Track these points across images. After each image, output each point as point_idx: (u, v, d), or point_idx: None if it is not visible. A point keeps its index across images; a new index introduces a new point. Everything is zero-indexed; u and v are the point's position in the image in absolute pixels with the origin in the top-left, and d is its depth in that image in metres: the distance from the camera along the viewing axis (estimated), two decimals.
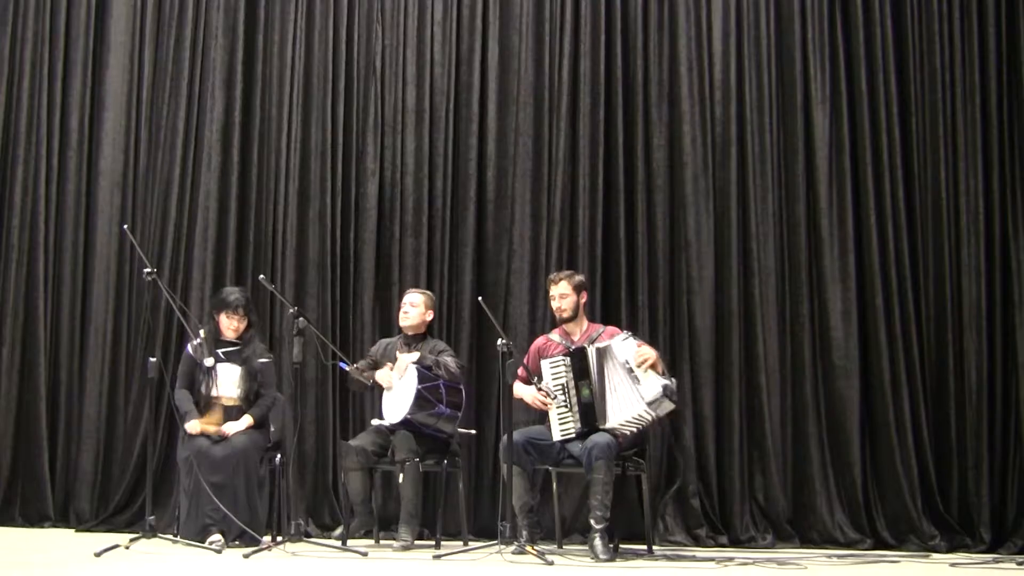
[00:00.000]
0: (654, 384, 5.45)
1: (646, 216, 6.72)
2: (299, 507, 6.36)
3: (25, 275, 7.23)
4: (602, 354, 5.57)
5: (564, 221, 6.76)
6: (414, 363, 5.95)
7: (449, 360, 6.05)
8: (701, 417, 6.50)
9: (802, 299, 6.56)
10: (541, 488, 5.98)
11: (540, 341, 6.02)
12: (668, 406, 5.51)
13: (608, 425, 5.51)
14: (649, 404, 5.43)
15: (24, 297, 7.21)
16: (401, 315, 6.23)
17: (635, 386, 5.46)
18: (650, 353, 5.52)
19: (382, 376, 6.09)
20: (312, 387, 6.82)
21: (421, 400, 5.82)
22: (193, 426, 5.86)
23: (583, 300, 5.92)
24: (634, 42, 6.87)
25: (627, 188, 6.75)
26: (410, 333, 6.21)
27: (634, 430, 5.54)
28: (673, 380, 5.58)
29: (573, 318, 5.87)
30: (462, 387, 6.05)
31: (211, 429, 5.86)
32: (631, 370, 5.48)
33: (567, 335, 5.91)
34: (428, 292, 6.37)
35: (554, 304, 5.91)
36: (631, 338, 5.61)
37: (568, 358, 5.66)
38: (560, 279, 5.89)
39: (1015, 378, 6.20)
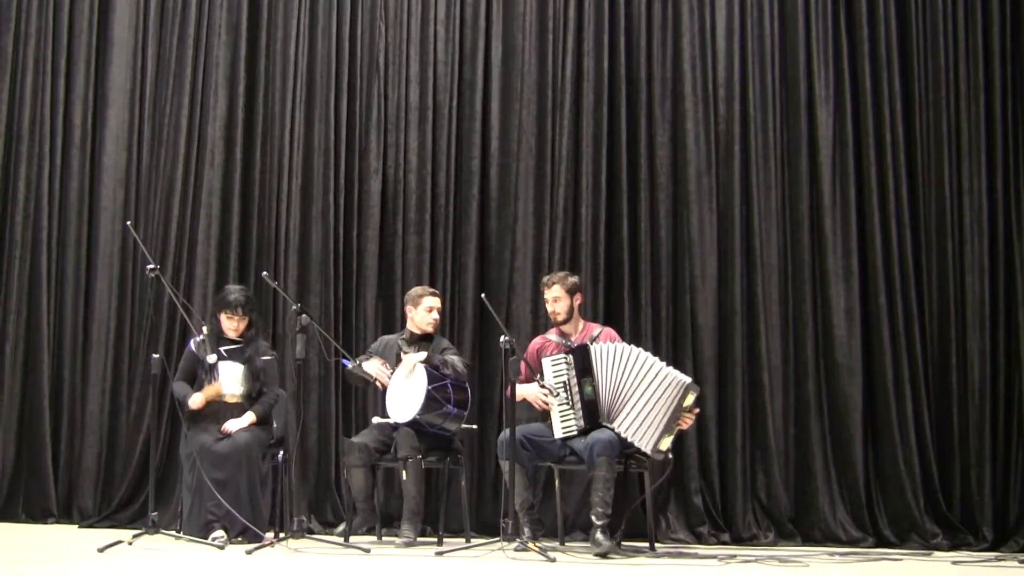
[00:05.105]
0: (667, 444, 5.51)
1: (649, 214, 6.72)
2: (302, 504, 6.36)
3: (28, 272, 7.24)
4: (684, 388, 5.50)
5: (567, 219, 6.76)
6: (422, 362, 5.94)
7: (455, 359, 6.05)
8: (704, 415, 6.47)
9: (805, 297, 6.56)
10: (544, 485, 5.99)
11: (538, 341, 6.04)
12: (657, 460, 5.57)
13: (615, 427, 5.51)
14: (653, 451, 5.47)
15: (27, 294, 7.21)
16: (432, 320, 6.14)
17: (662, 430, 5.47)
18: (690, 423, 5.61)
19: (371, 367, 6.04)
20: (315, 384, 6.83)
21: (431, 401, 5.82)
22: (196, 399, 5.87)
23: (578, 302, 5.92)
24: (638, 40, 6.87)
25: (630, 186, 6.75)
26: (418, 332, 6.19)
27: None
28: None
29: (568, 320, 5.89)
30: (468, 386, 6.06)
31: (211, 393, 5.88)
32: (673, 418, 5.49)
33: (564, 335, 5.92)
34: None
35: (548, 307, 5.92)
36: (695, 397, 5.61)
37: (570, 355, 5.67)
38: (553, 283, 5.90)
39: (1018, 377, 6.20)
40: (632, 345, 5.73)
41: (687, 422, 5.58)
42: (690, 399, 5.53)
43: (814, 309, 6.55)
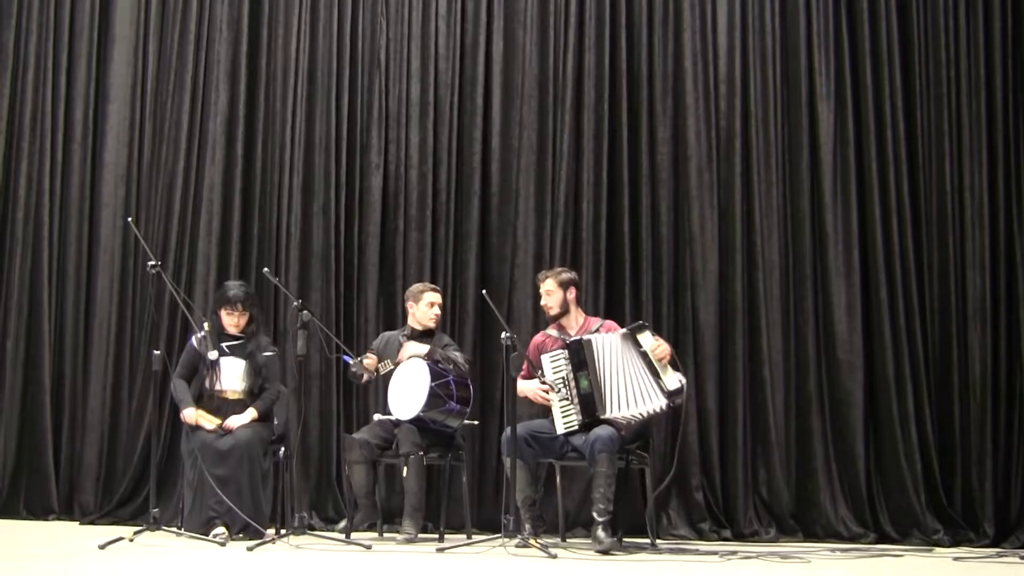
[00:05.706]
0: (673, 379, 5.52)
1: (650, 210, 6.71)
2: (303, 500, 6.34)
3: (29, 268, 7.24)
4: (625, 340, 5.59)
5: (568, 215, 6.76)
6: (423, 357, 5.94)
7: (457, 355, 6.06)
8: (705, 411, 6.50)
9: (806, 293, 6.55)
10: (545, 482, 6.00)
11: (538, 338, 6.04)
12: (680, 402, 5.59)
13: (619, 415, 5.52)
14: (669, 396, 5.48)
15: (28, 290, 7.22)
16: (433, 315, 6.15)
17: (654, 380, 5.51)
18: (667, 349, 5.59)
19: (370, 364, 6.08)
20: (316, 380, 6.83)
21: (434, 398, 5.82)
22: (190, 414, 5.88)
23: (572, 296, 5.92)
24: (639, 36, 6.86)
25: (631, 182, 6.75)
26: (419, 328, 6.20)
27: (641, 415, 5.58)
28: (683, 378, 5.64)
29: (563, 314, 5.89)
30: (469, 382, 6.06)
31: (208, 426, 5.87)
32: (651, 363, 5.51)
33: (563, 330, 5.92)
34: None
35: (542, 302, 5.93)
36: (648, 331, 5.63)
37: (566, 350, 5.68)
38: (546, 277, 5.92)
39: (1019, 372, 6.20)
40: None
41: (663, 351, 5.57)
42: (645, 337, 5.57)
43: (815, 305, 6.55)
